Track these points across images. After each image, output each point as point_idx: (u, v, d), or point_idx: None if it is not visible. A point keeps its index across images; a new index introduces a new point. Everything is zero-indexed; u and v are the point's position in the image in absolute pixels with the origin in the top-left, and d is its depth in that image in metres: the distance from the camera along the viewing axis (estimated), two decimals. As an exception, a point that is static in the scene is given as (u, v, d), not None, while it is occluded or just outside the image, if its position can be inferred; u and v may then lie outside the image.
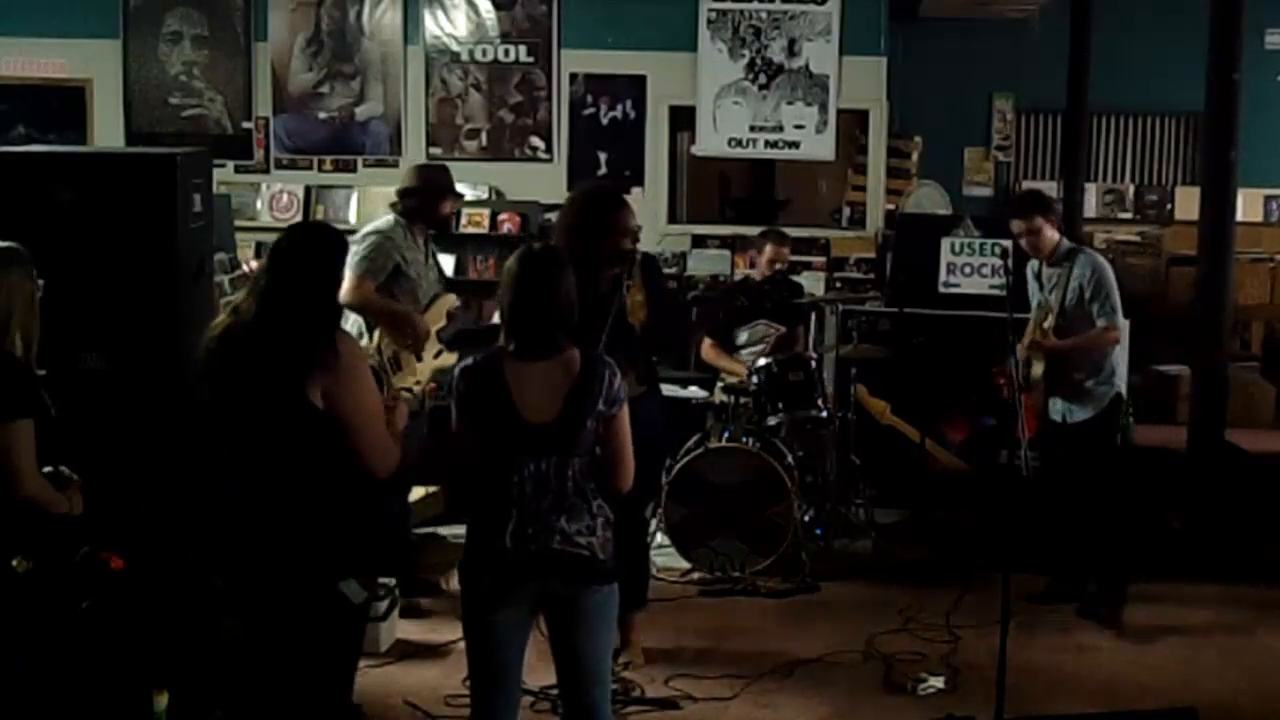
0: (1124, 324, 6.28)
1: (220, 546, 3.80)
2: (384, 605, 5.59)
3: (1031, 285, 6.39)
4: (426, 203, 6.13)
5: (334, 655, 3.90)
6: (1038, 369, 6.13)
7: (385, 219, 6.12)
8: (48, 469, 4.11)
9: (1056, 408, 6.22)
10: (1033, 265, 6.39)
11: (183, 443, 4.87)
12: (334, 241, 3.93)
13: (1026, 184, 11.34)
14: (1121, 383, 6.26)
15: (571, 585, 3.73)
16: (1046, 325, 6.17)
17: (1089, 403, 6.15)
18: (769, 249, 7.61)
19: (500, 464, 3.71)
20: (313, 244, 3.86)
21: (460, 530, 3.95)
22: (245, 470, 3.74)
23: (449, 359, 6.08)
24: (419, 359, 6.05)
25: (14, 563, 3.93)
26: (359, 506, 3.82)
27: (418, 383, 6.02)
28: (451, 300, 6.30)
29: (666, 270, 9.41)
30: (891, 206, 9.92)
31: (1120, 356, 6.29)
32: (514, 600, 3.74)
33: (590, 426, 3.73)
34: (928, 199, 10.16)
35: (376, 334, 5.94)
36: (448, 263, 9.47)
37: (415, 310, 6.04)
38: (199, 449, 3.90)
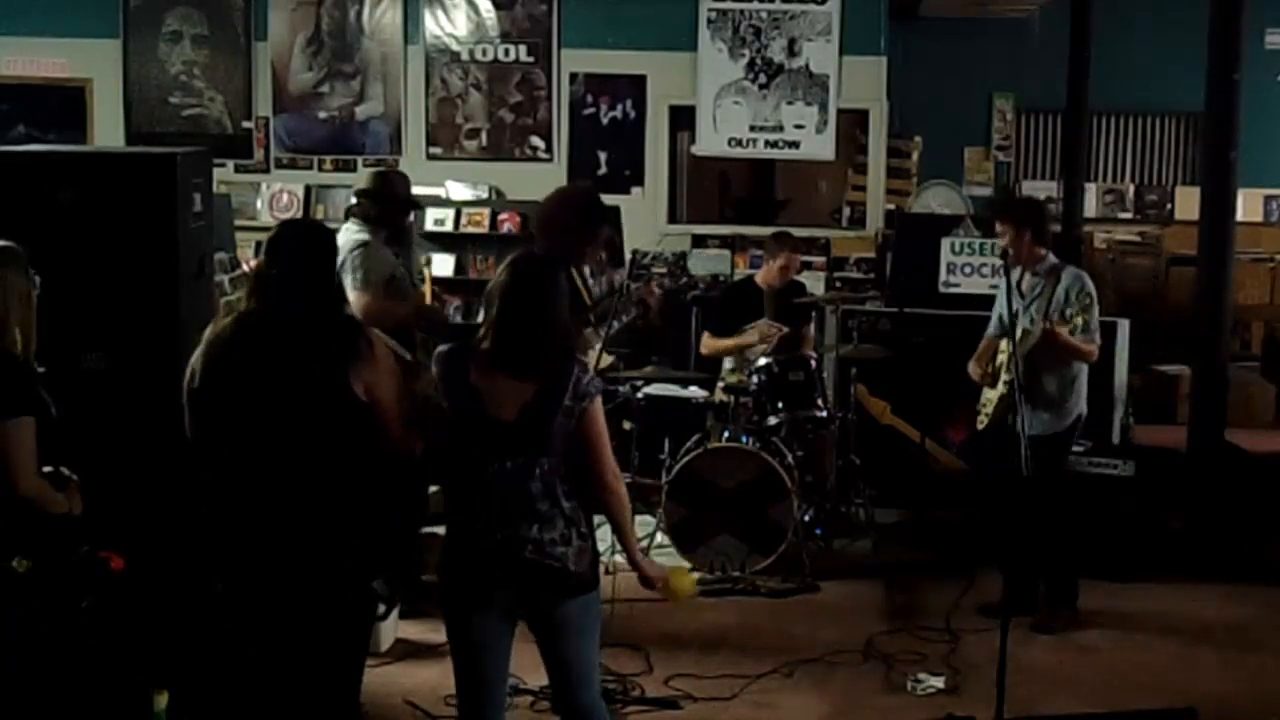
0: (1098, 344, 6.12)
1: (223, 548, 3.79)
2: (384, 605, 5.60)
3: (1005, 298, 6.16)
4: (389, 213, 6.03)
5: (356, 653, 3.93)
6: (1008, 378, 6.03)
7: (356, 232, 5.90)
8: (47, 469, 4.11)
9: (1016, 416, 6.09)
10: (1012, 277, 6.24)
11: (183, 443, 4.87)
12: (330, 235, 4.00)
13: (1027, 185, 11.36)
14: (1084, 405, 6.12)
15: (546, 596, 3.70)
16: (1020, 334, 6.05)
17: (1052, 414, 6.01)
18: (783, 256, 7.57)
19: (468, 463, 3.68)
20: (315, 237, 3.90)
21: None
22: (269, 470, 3.71)
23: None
24: (429, 350, 6.00)
25: (14, 563, 3.93)
26: (386, 504, 3.84)
27: None
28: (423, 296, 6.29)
29: (664, 271, 9.46)
30: (891, 206, 9.93)
31: (1084, 379, 6.12)
32: (490, 605, 3.71)
33: (558, 425, 3.66)
34: (943, 198, 10.16)
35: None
36: (448, 262, 9.52)
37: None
38: (195, 451, 3.88)
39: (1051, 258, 6.17)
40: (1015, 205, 6.57)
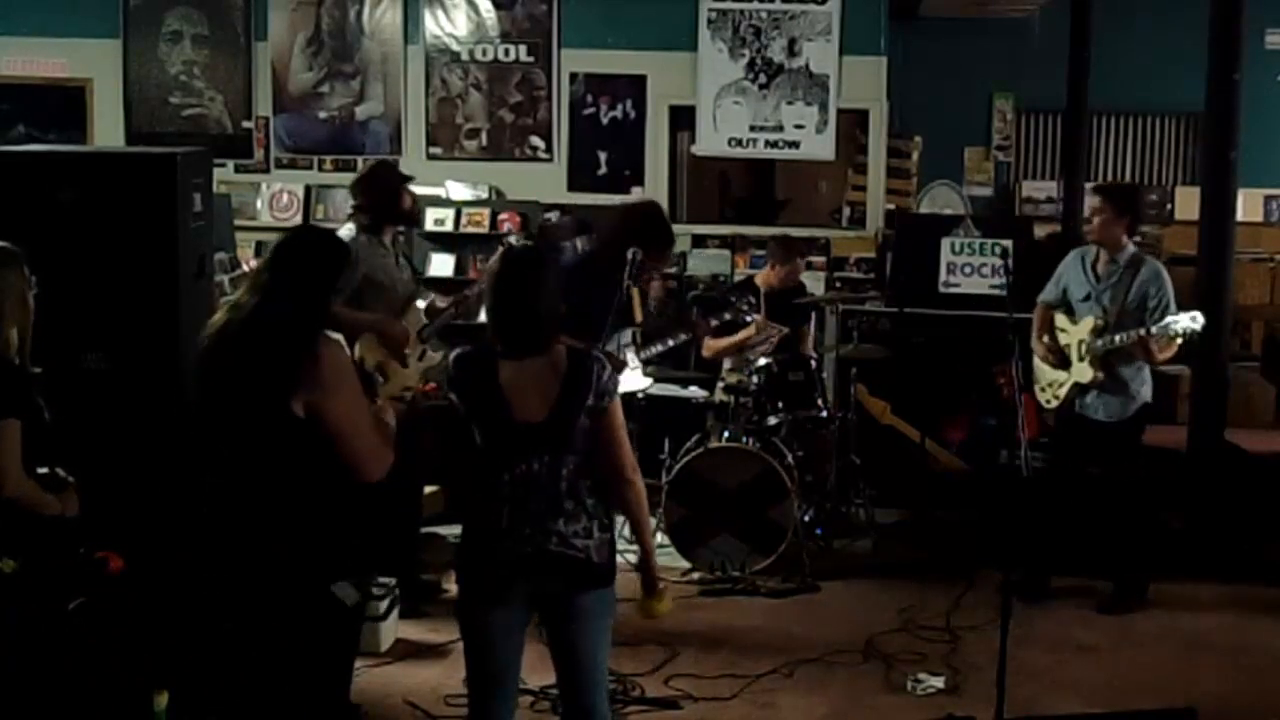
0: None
1: (218, 548, 3.79)
2: (384, 605, 5.60)
3: (1078, 276, 6.32)
4: (386, 207, 6.00)
5: (328, 656, 3.89)
6: (1086, 374, 6.16)
7: (346, 228, 5.90)
8: (43, 470, 4.11)
9: (1086, 399, 6.23)
10: (1087, 256, 6.34)
11: (183, 442, 4.87)
12: (338, 248, 3.93)
13: (1028, 185, 11.37)
14: (1150, 394, 6.28)
15: (566, 587, 3.73)
16: (1092, 324, 6.18)
17: (1120, 400, 6.18)
18: (793, 264, 7.57)
19: (492, 462, 3.71)
20: (316, 247, 3.86)
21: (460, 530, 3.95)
22: (234, 473, 3.73)
23: (435, 358, 6.04)
24: (404, 365, 5.97)
25: (0, 563, 3.93)
26: (351, 509, 3.80)
27: (407, 389, 5.93)
28: (428, 297, 6.25)
29: (666, 271, 9.44)
30: (891, 206, 9.92)
31: (1149, 369, 6.29)
32: (509, 600, 3.74)
33: (582, 424, 3.71)
34: (943, 198, 10.17)
35: (357, 348, 5.74)
36: (448, 262, 9.52)
37: (388, 317, 5.91)
38: (195, 449, 3.88)
39: (1132, 247, 6.26)
40: (1120, 190, 6.72)
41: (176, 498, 4.86)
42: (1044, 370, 6.39)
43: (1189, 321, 5.87)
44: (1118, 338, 6.05)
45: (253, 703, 3.86)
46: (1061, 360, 6.27)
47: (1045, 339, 6.37)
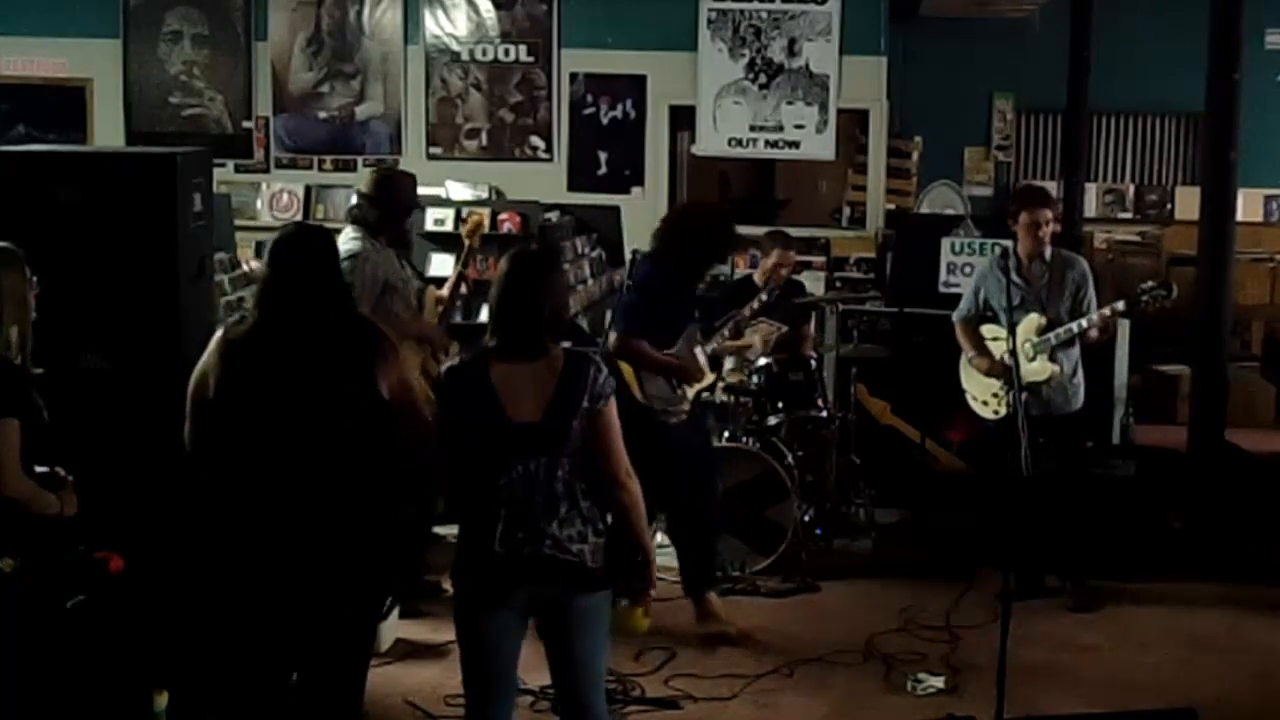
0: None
1: (225, 553, 3.79)
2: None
3: (1000, 286, 6.04)
4: (391, 220, 5.91)
5: (364, 654, 3.97)
6: (1045, 371, 6.16)
7: (351, 239, 5.78)
8: (42, 469, 4.10)
9: (1038, 401, 6.18)
10: (1007, 264, 6.29)
11: (182, 444, 4.86)
12: (327, 237, 4.04)
13: (1024, 184, 11.37)
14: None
15: (563, 591, 3.72)
16: (1037, 324, 6.19)
17: (1067, 389, 6.24)
18: (776, 253, 7.54)
19: (488, 465, 3.71)
20: (310, 245, 3.90)
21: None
22: (289, 478, 3.71)
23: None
24: (439, 363, 5.95)
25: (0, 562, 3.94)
26: (400, 506, 3.88)
27: None
28: (434, 293, 6.24)
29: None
30: (891, 206, 9.93)
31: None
32: (506, 604, 3.73)
33: (577, 425, 3.70)
34: (943, 198, 10.19)
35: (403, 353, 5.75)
36: (447, 262, 9.50)
37: (419, 318, 5.93)
38: (196, 458, 3.88)
39: (1050, 245, 6.35)
40: (1047, 194, 6.79)
41: (176, 498, 4.86)
42: (986, 381, 6.39)
43: (1161, 289, 6.00)
44: (1079, 323, 6.08)
45: (282, 703, 3.87)
46: (1005, 368, 6.22)
47: (985, 353, 6.38)
